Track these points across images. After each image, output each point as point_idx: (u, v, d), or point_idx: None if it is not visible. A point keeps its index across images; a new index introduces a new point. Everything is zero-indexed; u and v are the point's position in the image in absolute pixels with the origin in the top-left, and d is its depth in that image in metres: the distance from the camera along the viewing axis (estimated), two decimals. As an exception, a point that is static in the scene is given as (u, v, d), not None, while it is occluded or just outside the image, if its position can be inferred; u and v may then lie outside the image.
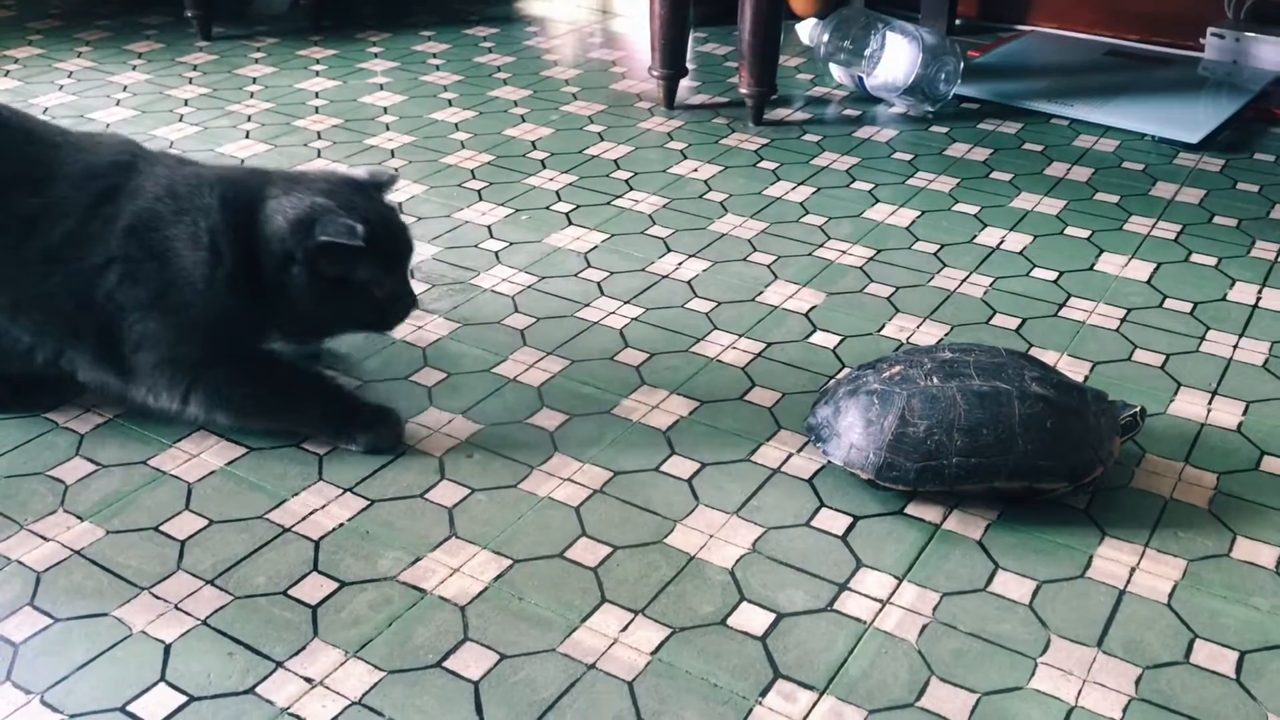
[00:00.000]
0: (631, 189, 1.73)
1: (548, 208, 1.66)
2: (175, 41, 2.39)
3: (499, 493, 1.08)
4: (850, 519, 1.05)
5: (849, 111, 2.06)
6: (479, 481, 1.09)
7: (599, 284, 1.45)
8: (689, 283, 1.46)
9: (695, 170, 1.80)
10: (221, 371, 1.11)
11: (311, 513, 1.05)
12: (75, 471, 1.10)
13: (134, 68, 2.23)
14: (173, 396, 1.10)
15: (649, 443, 1.15)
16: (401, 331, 1.32)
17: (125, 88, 2.12)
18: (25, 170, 1.08)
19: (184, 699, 0.85)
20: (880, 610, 0.95)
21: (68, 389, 1.19)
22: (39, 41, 2.37)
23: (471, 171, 1.78)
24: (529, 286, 1.44)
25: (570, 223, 1.61)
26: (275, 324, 1.17)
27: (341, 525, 1.03)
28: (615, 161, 1.82)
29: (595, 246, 1.55)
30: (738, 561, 1.00)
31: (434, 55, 2.32)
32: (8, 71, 2.20)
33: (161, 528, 1.03)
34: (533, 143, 1.90)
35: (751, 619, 0.94)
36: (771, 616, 0.94)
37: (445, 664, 0.89)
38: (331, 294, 1.12)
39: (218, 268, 1.08)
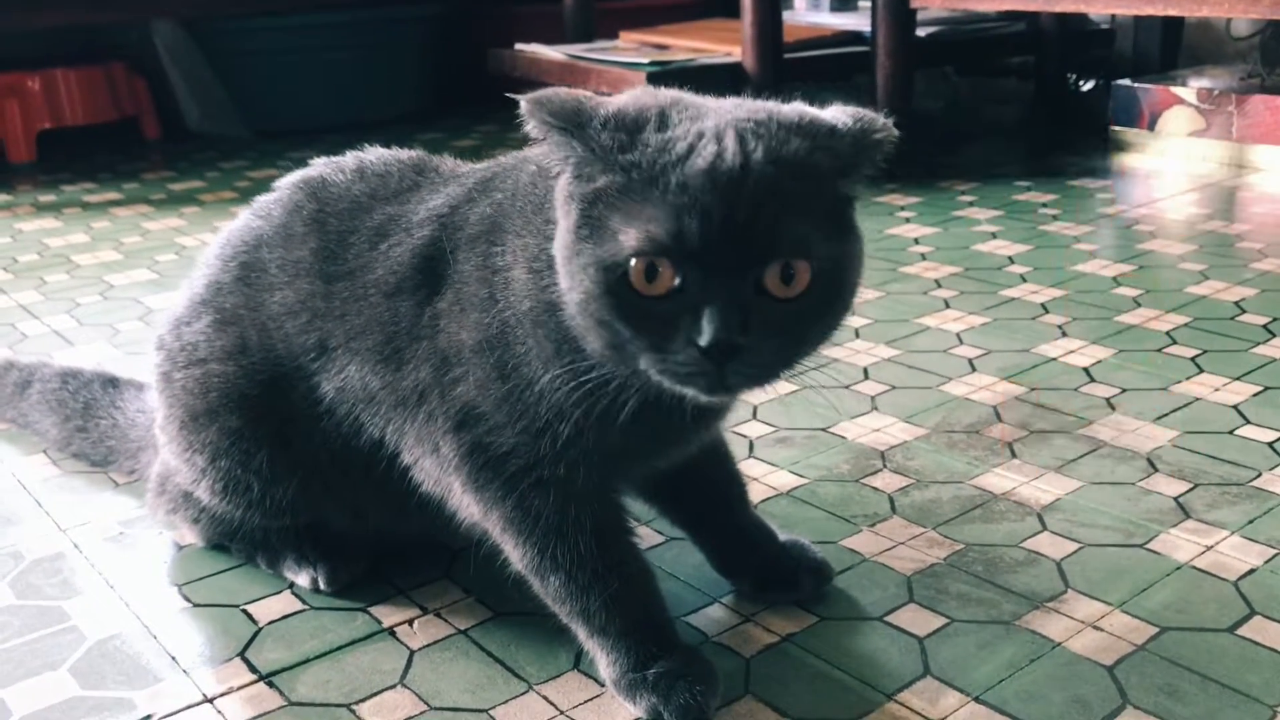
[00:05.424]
0: None
1: (1310, 389, 1.17)
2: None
3: None
4: None
5: None
6: None
7: None
8: None
9: None
10: (548, 498, 0.73)
11: None
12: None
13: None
14: (476, 504, 0.75)
15: None
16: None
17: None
18: (390, 185, 0.83)
19: None
20: None
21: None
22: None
23: (1169, 334, 1.33)
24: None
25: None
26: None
27: None
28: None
29: None
30: None
31: (1043, 205, 1.92)
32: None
33: None
34: (1236, 303, 1.42)
35: None
36: None
37: None
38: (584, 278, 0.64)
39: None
